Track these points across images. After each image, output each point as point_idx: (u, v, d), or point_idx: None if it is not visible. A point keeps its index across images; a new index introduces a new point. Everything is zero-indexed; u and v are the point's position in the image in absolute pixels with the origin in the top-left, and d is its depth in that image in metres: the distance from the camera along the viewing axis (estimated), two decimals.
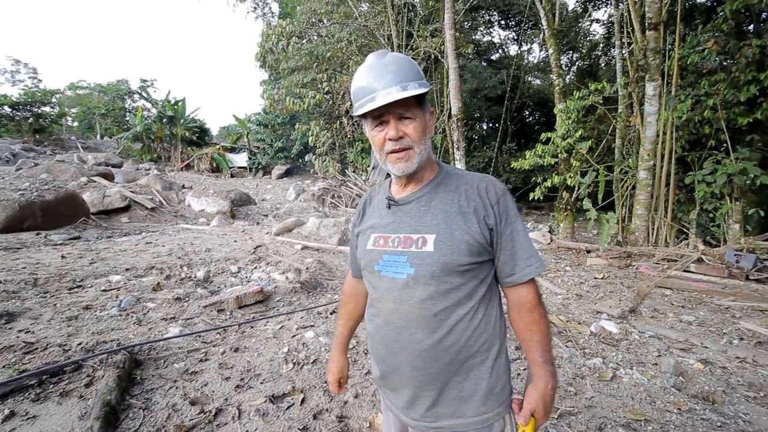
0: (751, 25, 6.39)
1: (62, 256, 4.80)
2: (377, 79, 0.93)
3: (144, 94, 22.20)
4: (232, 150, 21.30)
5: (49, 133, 21.83)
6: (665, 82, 6.17)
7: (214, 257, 4.99)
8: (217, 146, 20.87)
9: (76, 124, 30.81)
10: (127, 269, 4.39)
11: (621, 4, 8.00)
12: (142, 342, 2.72)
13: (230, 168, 19.33)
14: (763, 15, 6.45)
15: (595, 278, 4.94)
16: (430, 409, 1.01)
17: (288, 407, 2.16)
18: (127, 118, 24.23)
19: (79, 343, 2.60)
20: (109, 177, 11.16)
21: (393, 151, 0.96)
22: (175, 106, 20.28)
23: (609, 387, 2.50)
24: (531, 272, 0.97)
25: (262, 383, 2.37)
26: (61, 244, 5.68)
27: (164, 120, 20.05)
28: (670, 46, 6.31)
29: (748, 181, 5.42)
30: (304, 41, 12.88)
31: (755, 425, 2.13)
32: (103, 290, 3.72)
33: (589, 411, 2.23)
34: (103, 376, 2.25)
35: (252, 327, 3.17)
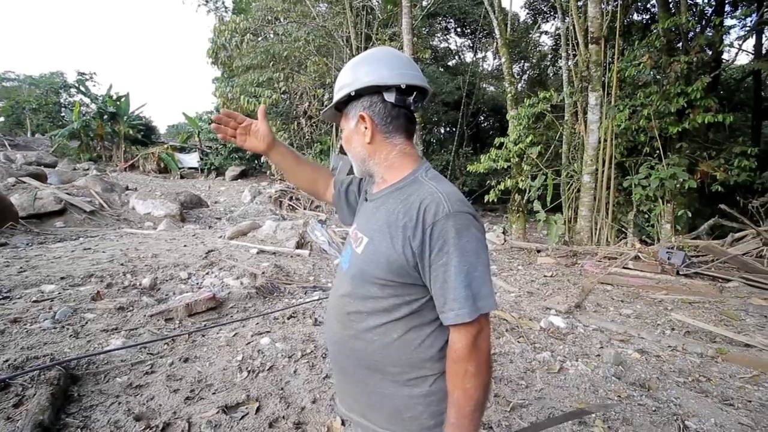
0: (680, 43, 7.05)
1: None
2: None
3: (82, 88, 20.52)
4: (182, 150, 20.22)
5: None
6: (606, 92, 6.65)
7: (162, 263, 4.70)
8: (165, 145, 19.73)
9: (2, 119, 27.95)
10: (62, 278, 4.02)
11: (567, 18, 8.53)
12: (79, 356, 2.50)
13: (180, 169, 18.35)
14: (690, 34, 7.14)
15: (545, 276, 5.20)
16: (346, 398, 1.05)
17: (242, 417, 2.07)
18: (63, 114, 22.28)
19: (6, 360, 2.35)
20: (41, 177, 10.21)
21: None
22: (118, 102, 18.95)
23: (557, 379, 2.63)
24: (449, 318, 0.82)
25: (214, 394, 2.26)
26: None
27: (105, 116, 18.66)
28: (610, 60, 6.80)
29: (677, 185, 5.96)
30: (259, 39, 12.55)
31: (684, 408, 2.33)
32: (35, 301, 3.39)
33: (539, 402, 2.34)
34: (35, 394, 2.05)
35: (203, 335, 3.02)
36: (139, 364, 2.54)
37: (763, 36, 9.49)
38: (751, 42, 9.53)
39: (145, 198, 9.05)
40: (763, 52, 9.42)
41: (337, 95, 0.96)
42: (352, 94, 0.92)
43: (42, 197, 7.46)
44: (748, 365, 2.81)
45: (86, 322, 3.06)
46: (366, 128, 0.93)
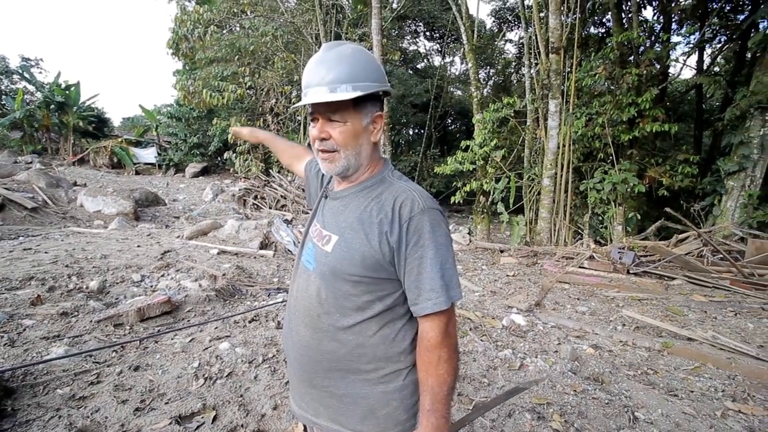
0: (632, 56, 7.48)
1: None
2: (314, 74, 0.88)
3: (26, 75, 18.99)
4: (138, 144, 19.17)
5: None
6: (564, 100, 6.94)
7: (112, 265, 4.42)
8: (119, 139, 18.60)
9: None
10: None
11: (530, 28, 8.83)
12: (14, 366, 2.29)
13: (135, 164, 17.40)
14: (641, 48, 7.60)
15: (507, 276, 5.35)
16: (311, 403, 1.01)
17: (197, 427, 1.97)
18: (3, 102, 20.52)
19: None
20: None
21: (319, 150, 0.93)
22: (67, 91, 17.65)
23: (517, 375, 2.70)
24: (426, 308, 0.86)
25: (167, 403, 2.14)
26: None
27: (52, 106, 17.35)
28: (568, 69, 7.11)
29: (628, 189, 6.32)
30: (224, 31, 12.13)
31: (634, 399, 2.46)
32: None
33: None
34: None
35: (156, 342, 2.85)
36: (84, 373, 2.36)
37: (705, 53, 10.27)
38: (694, 58, 10.30)
39: (95, 195, 8.48)
40: (704, 67, 10.18)
41: (368, 86, 0.87)
42: (380, 93, 0.92)
43: None
44: (690, 358, 3.01)
45: (24, 329, 2.82)
46: (376, 129, 0.95)
